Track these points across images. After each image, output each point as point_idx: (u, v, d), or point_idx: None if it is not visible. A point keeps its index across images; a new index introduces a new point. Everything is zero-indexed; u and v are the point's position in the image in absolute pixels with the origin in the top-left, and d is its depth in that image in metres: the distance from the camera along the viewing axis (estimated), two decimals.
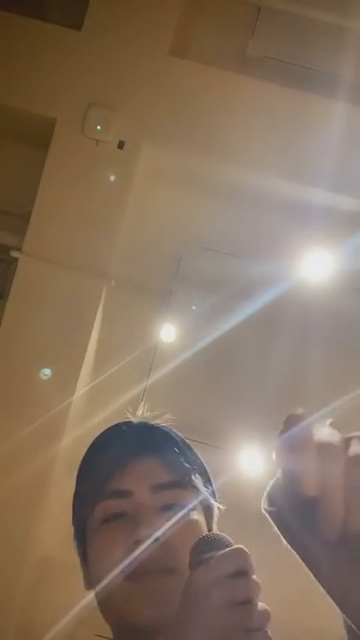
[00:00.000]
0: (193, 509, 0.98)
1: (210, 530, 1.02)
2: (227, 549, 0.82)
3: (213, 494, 1.06)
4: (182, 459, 1.02)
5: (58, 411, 3.72)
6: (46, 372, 3.76)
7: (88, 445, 1.08)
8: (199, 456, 1.07)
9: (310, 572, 0.68)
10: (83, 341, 3.85)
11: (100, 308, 3.91)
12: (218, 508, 1.06)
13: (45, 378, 3.76)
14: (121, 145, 3.86)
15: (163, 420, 1.08)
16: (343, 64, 3.94)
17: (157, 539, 0.91)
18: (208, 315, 4.04)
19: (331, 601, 0.67)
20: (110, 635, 1.03)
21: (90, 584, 1.01)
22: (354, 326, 4.16)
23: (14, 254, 3.87)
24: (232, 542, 0.86)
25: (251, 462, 4.05)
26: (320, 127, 3.84)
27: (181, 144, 3.92)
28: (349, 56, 3.94)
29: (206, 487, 1.04)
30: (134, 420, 1.07)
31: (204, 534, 0.86)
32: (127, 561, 0.90)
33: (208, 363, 4.13)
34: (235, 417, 4.12)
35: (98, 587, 0.95)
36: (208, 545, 0.82)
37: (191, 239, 4.17)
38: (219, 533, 0.87)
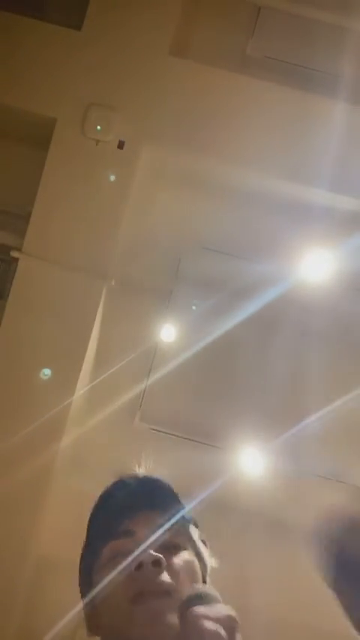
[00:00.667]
0: (187, 550, 1.07)
1: (204, 580, 1.10)
2: (222, 614, 0.93)
3: (207, 549, 1.16)
4: (183, 515, 1.13)
5: (58, 411, 3.72)
6: (46, 372, 3.76)
7: (97, 498, 1.19)
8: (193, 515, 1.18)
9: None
10: (83, 341, 3.85)
11: (100, 308, 3.91)
12: (211, 566, 1.16)
13: (45, 378, 3.76)
14: (121, 145, 3.86)
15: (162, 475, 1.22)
16: (343, 64, 3.94)
17: (158, 564, 0.98)
18: (208, 315, 4.04)
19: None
20: None
21: (94, 627, 1.09)
22: (354, 326, 4.16)
23: (14, 254, 3.87)
24: (220, 599, 0.97)
25: (251, 462, 4.05)
26: (320, 127, 3.84)
27: (182, 144, 3.92)
28: (349, 56, 3.94)
29: (202, 543, 1.14)
30: (139, 474, 1.21)
31: (197, 589, 0.96)
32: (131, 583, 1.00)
33: (208, 363, 4.13)
34: (235, 417, 4.12)
35: (88, 598, 1.06)
36: (200, 599, 0.93)
37: (191, 239, 4.17)
38: (209, 590, 0.97)
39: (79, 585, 1.15)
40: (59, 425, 3.77)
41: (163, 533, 1.06)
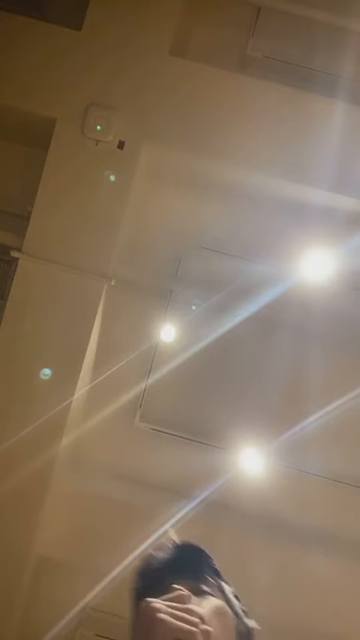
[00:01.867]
0: (217, 597, 1.09)
1: (232, 626, 1.10)
2: None
3: (246, 614, 1.17)
4: (215, 578, 1.15)
5: (58, 411, 3.72)
6: (46, 372, 3.76)
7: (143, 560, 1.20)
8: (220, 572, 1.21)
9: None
10: (83, 341, 3.85)
11: (100, 308, 3.91)
12: (243, 611, 1.16)
13: (45, 378, 3.76)
14: (121, 145, 3.86)
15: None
16: (343, 64, 3.94)
17: (184, 597, 0.99)
18: (208, 315, 4.04)
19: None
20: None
21: None
22: (354, 326, 4.16)
23: (14, 254, 3.87)
24: None
25: (251, 462, 4.05)
26: (320, 126, 3.84)
27: (181, 144, 3.92)
28: (349, 56, 3.94)
29: (242, 609, 1.15)
30: (177, 542, 1.21)
31: None
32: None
33: (208, 363, 4.13)
34: (235, 417, 4.12)
35: None
36: None
37: (191, 239, 4.17)
38: None
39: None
40: (59, 425, 3.77)
41: (202, 593, 1.07)
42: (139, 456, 4.20)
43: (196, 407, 4.21)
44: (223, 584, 1.15)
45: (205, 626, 0.91)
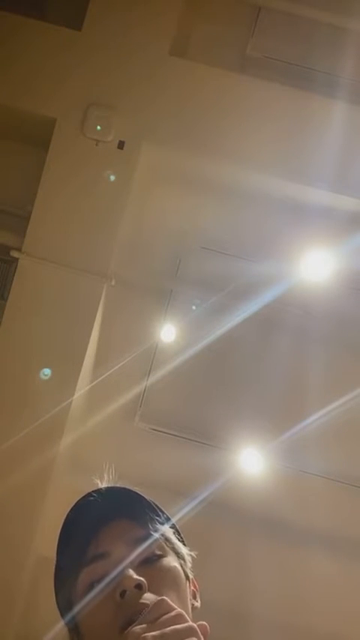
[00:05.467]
0: (167, 556, 1.04)
1: (186, 576, 1.06)
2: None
3: (182, 541, 1.12)
4: (151, 515, 1.08)
5: (58, 411, 3.72)
6: (46, 372, 3.76)
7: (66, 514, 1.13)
8: (164, 510, 1.13)
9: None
10: (83, 341, 3.85)
11: (100, 308, 3.91)
12: (190, 555, 1.11)
13: (45, 378, 3.76)
14: (121, 145, 3.86)
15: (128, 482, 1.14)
16: (343, 64, 3.94)
17: (141, 587, 0.95)
18: (208, 315, 4.04)
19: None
20: None
21: None
22: (354, 326, 4.16)
23: (14, 254, 3.87)
24: None
25: (251, 462, 4.05)
26: (320, 126, 3.84)
27: (181, 144, 3.92)
28: (349, 56, 3.94)
29: (177, 536, 1.10)
30: (102, 486, 1.13)
31: None
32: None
33: (207, 363, 4.13)
34: (235, 417, 4.12)
35: None
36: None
37: (191, 239, 4.17)
38: None
39: (62, 617, 1.08)
40: (59, 425, 3.77)
41: (139, 547, 1.02)
42: (139, 455, 4.20)
43: (196, 407, 4.21)
44: (166, 532, 1.07)
45: (192, 627, 0.88)
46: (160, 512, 1.10)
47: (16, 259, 3.87)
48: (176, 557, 1.05)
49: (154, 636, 0.86)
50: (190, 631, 0.88)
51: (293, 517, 4.12)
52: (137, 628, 0.89)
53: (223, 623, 4.31)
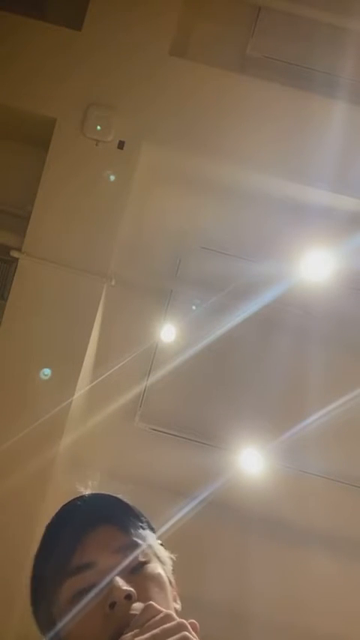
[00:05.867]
0: (151, 562, 1.02)
1: (170, 581, 1.04)
2: None
3: (163, 546, 1.10)
4: (134, 521, 1.07)
5: (58, 411, 3.72)
6: (46, 372, 3.76)
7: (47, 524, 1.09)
8: (144, 513, 1.11)
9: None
10: (83, 341, 3.85)
11: (100, 308, 3.91)
12: (171, 558, 1.09)
13: (45, 378, 3.76)
14: (121, 145, 3.86)
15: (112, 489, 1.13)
16: (343, 64, 3.94)
17: (130, 597, 0.94)
18: (208, 315, 4.04)
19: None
20: None
21: None
22: (354, 326, 4.16)
23: (14, 254, 3.87)
24: None
25: (251, 462, 4.05)
26: (320, 126, 3.84)
27: (181, 144, 3.92)
28: (349, 56, 3.94)
29: (158, 541, 1.09)
30: (85, 493, 1.10)
31: None
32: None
33: (207, 363, 4.13)
34: (235, 417, 4.12)
35: None
36: None
37: (191, 239, 4.17)
38: None
39: (39, 628, 1.04)
40: (59, 425, 3.77)
41: (125, 556, 1.00)
42: (139, 455, 4.20)
43: (196, 407, 4.21)
44: (148, 537, 1.06)
45: (182, 623, 0.89)
46: (142, 518, 1.09)
47: (16, 259, 3.87)
48: (159, 562, 1.05)
49: (145, 639, 0.86)
50: (180, 627, 0.88)
51: (293, 517, 4.12)
52: (127, 635, 0.89)
53: (223, 623, 4.33)
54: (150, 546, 1.05)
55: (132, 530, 1.04)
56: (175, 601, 1.02)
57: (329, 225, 3.91)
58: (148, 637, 0.86)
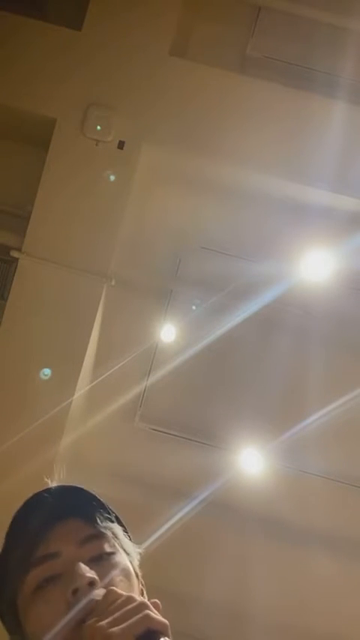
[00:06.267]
0: (116, 553, 1.03)
1: (136, 573, 1.05)
2: None
3: (130, 539, 1.11)
4: (101, 513, 1.07)
5: (58, 411, 3.72)
6: (46, 372, 3.76)
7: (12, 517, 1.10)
8: (112, 508, 1.11)
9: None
10: (83, 341, 3.85)
11: (100, 308, 3.91)
12: (139, 553, 1.10)
13: (45, 378, 3.76)
14: (121, 145, 3.86)
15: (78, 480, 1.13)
16: (343, 64, 3.94)
17: (93, 584, 0.94)
18: (208, 315, 4.04)
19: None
20: None
21: None
22: (354, 326, 4.16)
23: (14, 254, 3.87)
24: None
25: (251, 462, 4.05)
26: (320, 127, 3.84)
27: (181, 144, 3.92)
28: (349, 56, 3.94)
29: (125, 534, 1.09)
30: (52, 485, 1.11)
31: None
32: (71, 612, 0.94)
33: (207, 363, 4.13)
34: (235, 417, 4.12)
35: None
36: None
37: (191, 239, 4.17)
38: None
39: (2, 619, 1.04)
40: (59, 425, 3.77)
41: (90, 547, 1.01)
42: (139, 455, 4.20)
43: (196, 407, 4.21)
44: (114, 529, 1.07)
45: (143, 602, 0.89)
46: (109, 511, 1.09)
47: (16, 259, 3.88)
48: (126, 555, 1.05)
49: (108, 622, 0.86)
50: (141, 606, 0.88)
51: (293, 517, 4.12)
52: (90, 622, 0.89)
53: (223, 622, 4.33)
54: (116, 538, 1.05)
55: (98, 522, 1.04)
56: (142, 595, 1.02)
57: (329, 225, 3.91)
58: (109, 621, 0.86)
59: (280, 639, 4.03)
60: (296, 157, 3.88)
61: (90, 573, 0.95)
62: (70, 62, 3.90)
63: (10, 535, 1.07)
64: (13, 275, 3.90)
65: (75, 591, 0.94)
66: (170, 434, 4.13)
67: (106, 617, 0.87)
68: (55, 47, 3.91)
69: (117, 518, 1.10)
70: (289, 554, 4.08)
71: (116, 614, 0.87)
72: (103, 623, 0.87)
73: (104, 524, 1.05)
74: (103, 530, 1.04)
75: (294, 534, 4.09)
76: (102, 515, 1.06)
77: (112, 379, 3.96)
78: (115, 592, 0.91)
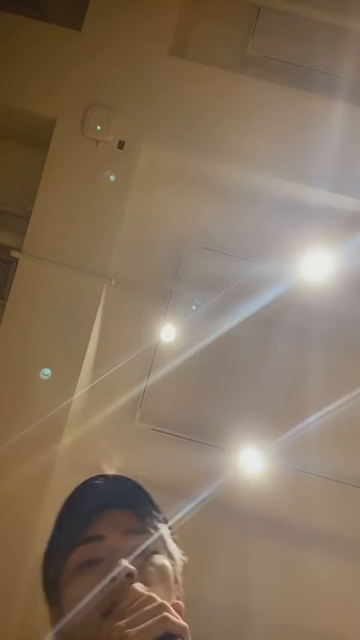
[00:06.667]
0: (160, 553, 1.04)
1: (175, 579, 1.05)
2: None
3: (176, 543, 1.12)
4: (152, 511, 1.09)
5: (58, 411, 3.72)
6: (46, 372, 3.76)
7: (65, 498, 1.13)
8: (163, 510, 1.13)
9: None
10: (83, 341, 3.85)
11: (100, 308, 3.91)
12: (182, 560, 1.10)
13: (45, 378, 3.76)
14: (121, 145, 3.86)
15: (134, 475, 1.15)
16: (343, 64, 3.94)
17: (131, 576, 0.95)
18: (208, 315, 4.04)
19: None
20: None
21: (61, 626, 1.03)
22: (354, 326, 4.16)
23: (14, 254, 3.87)
24: None
25: (251, 462, 4.05)
26: (320, 126, 3.84)
27: (181, 144, 3.92)
28: (349, 56, 3.94)
29: (173, 539, 1.11)
30: (109, 473, 1.13)
31: None
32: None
33: (207, 363, 4.13)
34: (235, 417, 4.12)
35: (66, 622, 0.99)
36: None
37: (191, 239, 4.17)
38: None
39: (44, 590, 1.08)
40: (59, 425, 3.77)
41: (135, 539, 1.02)
42: (139, 455, 4.19)
43: (196, 407, 4.21)
44: (162, 528, 1.08)
45: (163, 604, 0.89)
46: (159, 510, 1.11)
47: (16, 259, 3.87)
48: (168, 558, 1.05)
49: (126, 623, 0.87)
50: (161, 608, 0.88)
51: (293, 517, 4.12)
52: (108, 620, 0.90)
53: (223, 623, 4.33)
54: (162, 538, 1.06)
55: (147, 519, 1.06)
56: (178, 600, 1.02)
57: (329, 225, 3.91)
58: (127, 621, 0.87)
59: (280, 639, 4.03)
60: (296, 156, 3.88)
61: (129, 565, 0.96)
62: (70, 62, 3.90)
63: (62, 512, 1.10)
64: (13, 275, 3.90)
65: (113, 580, 0.95)
66: (170, 434, 4.13)
67: (125, 617, 0.88)
68: (55, 47, 3.91)
69: (165, 519, 1.11)
70: (289, 554, 4.08)
71: (135, 615, 0.88)
72: (121, 623, 0.87)
73: (153, 522, 1.06)
74: (151, 527, 1.05)
75: (294, 534, 4.08)
76: (152, 514, 1.08)
77: (112, 379, 3.95)
78: (136, 591, 0.92)
